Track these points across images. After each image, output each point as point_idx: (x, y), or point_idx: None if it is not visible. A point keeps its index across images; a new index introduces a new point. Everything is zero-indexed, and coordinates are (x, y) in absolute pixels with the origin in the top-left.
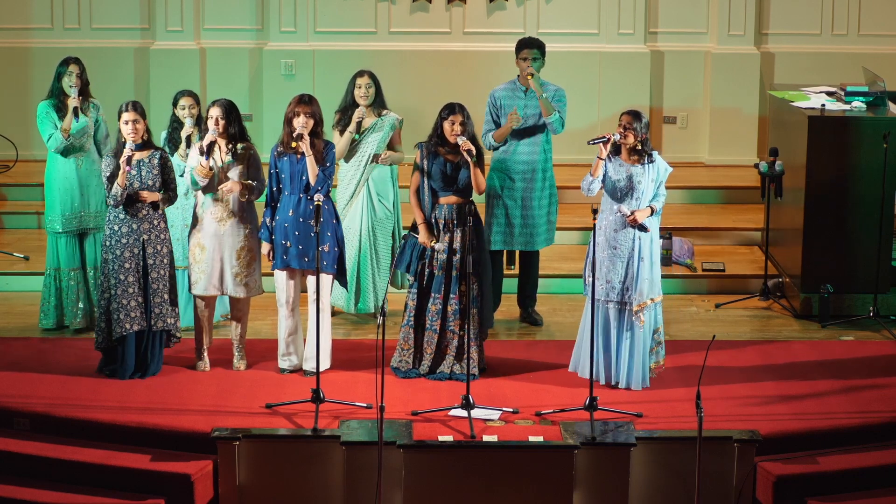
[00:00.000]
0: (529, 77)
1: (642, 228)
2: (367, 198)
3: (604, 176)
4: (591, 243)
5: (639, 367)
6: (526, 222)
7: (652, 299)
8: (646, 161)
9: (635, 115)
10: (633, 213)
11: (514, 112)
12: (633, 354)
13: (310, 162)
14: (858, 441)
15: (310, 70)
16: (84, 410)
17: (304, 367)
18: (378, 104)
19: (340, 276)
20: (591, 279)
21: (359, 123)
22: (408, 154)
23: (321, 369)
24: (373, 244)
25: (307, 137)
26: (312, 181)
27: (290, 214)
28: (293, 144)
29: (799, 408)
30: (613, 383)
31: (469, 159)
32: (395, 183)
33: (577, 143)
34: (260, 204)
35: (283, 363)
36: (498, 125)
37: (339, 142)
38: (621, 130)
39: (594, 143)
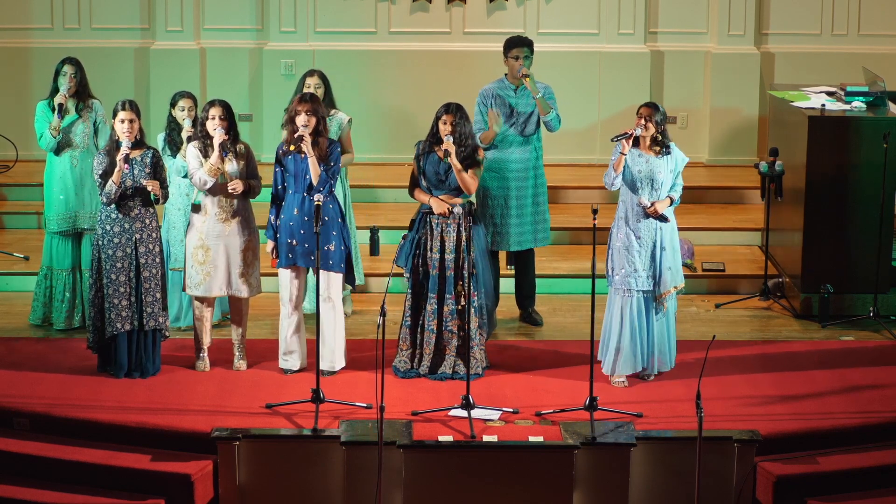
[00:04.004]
0: (526, 79)
1: (663, 219)
2: None
3: (623, 168)
4: (611, 236)
5: (674, 346)
6: (521, 221)
7: (675, 287)
8: (664, 152)
9: (654, 107)
10: (653, 203)
11: (495, 114)
12: (671, 336)
13: (312, 162)
14: (858, 441)
15: None
16: (84, 410)
17: (322, 368)
18: (327, 104)
19: (349, 274)
20: (612, 272)
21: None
22: (357, 153)
23: (337, 369)
24: None
25: (308, 137)
26: (315, 181)
27: (296, 213)
28: (291, 147)
29: (799, 408)
30: (649, 373)
31: (451, 161)
32: (346, 182)
33: (576, 143)
34: (260, 203)
35: (284, 363)
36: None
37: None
38: (642, 123)
39: (617, 140)
